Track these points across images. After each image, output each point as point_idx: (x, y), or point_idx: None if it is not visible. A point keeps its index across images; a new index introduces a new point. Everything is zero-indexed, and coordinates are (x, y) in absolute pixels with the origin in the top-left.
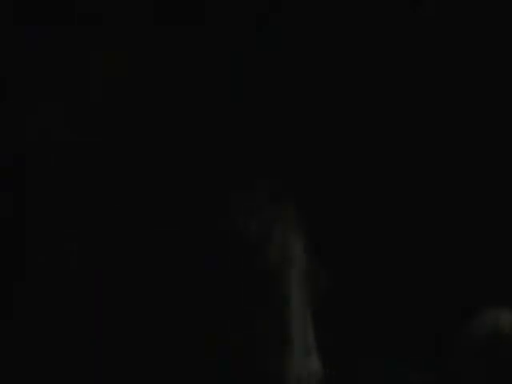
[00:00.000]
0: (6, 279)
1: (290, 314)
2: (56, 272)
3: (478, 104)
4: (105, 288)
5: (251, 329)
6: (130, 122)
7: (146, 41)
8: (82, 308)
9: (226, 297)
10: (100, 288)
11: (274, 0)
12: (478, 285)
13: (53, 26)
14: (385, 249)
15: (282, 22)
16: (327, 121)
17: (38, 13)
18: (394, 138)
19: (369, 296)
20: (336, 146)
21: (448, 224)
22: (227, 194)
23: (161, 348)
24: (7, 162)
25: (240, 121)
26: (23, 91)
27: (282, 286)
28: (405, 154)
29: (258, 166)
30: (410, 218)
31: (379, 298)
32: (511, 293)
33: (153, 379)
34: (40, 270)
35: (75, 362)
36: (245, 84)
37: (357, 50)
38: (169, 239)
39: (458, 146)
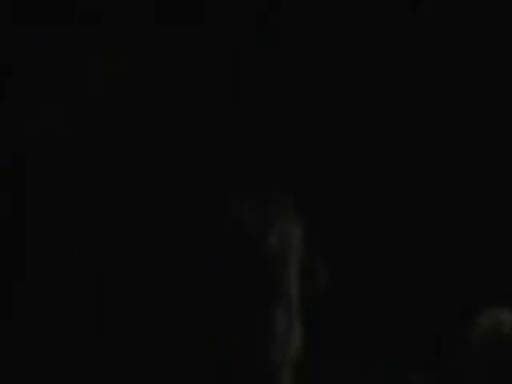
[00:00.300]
0: (6, 279)
1: (290, 313)
2: (56, 272)
3: (478, 104)
4: (105, 288)
5: (251, 329)
6: (129, 121)
7: (145, 41)
8: (81, 307)
9: (225, 297)
10: (100, 288)
11: (274, 0)
12: (478, 285)
13: (53, 26)
14: (385, 249)
15: (281, 21)
16: (327, 120)
17: (38, 13)
18: (394, 138)
19: (369, 296)
20: (336, 145)
21: (448, 224)
22: (227, 193)
23: (161, 348)
24: (7, 162)
25: (240, 120)
26: (23, 91)
27: (282, 286)
28: (405, 154)
29: (259, 165)
30: (410, 217)
31: (379, 298)
32: (511, 293)
33: (153, 379)
34: (40, 270)
35: (75, 362)
36: (245, 84)
37: (357, 49)
38: (169, 239)
39: (457, 145)
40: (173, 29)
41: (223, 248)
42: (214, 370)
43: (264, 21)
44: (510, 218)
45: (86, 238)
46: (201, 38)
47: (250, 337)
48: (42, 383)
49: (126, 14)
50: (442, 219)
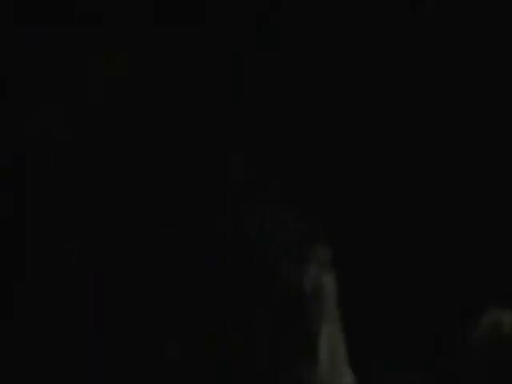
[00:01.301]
0: (6, 279)
1: (318, 334)
2: (56, 272)
3: (478, 104)
4: (105, 288)
5: (251, 329)
6: (130, 122)
7: (145, 41)
8: (81, 308)
9: (226, 297)
10: (100, 288)
11: (274, 0)
12: (478, 285)
13: (53, 26)
14: (386, 248)
15: (281, 21)
16: (328, 122)
17: (38, 13)
18: (395, 138)
19: (368, 296)
20: (338, 145)
21: (448, 224)
22: (230, 196)
23: (161, 348)
24: (7, 162)
25: (240, 120)
26: (23, 91)
27: (311, 314)
28: (405, 154)
29: (260, 166)
30: (409, 217)
31: (379, 297)
32: (511, 293)
33: (153, 379)
34: (40, 270)
35: (75, 362)
36: (245, 84)
37: (357, 49)
38: (169, 239)
39: (458, 146)
40: (173, 29)
41: (224, 248)
42: (214, 370)
43: (264, 21)
44: (510, 217)
45: (86, 237)
46: (201, 38)
47: (250, 337)
48: (42, 383)
49: (126, 14)
50: (443, 219)
